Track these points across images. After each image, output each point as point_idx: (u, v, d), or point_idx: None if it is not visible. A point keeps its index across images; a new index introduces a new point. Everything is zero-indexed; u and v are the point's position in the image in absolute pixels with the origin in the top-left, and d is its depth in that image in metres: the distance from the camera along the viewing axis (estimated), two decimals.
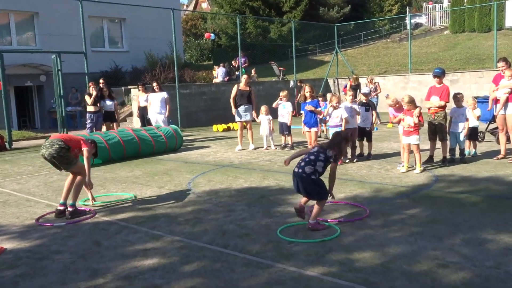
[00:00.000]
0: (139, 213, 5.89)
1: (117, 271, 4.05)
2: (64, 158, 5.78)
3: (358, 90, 14.18)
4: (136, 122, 15.64)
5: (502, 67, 8.30)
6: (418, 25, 35.72)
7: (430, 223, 5.01)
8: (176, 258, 4.30)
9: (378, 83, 15.93)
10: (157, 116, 12.48)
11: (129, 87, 17.77)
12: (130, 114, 17.79)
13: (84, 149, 5.97)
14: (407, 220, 5.13)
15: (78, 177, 5.92)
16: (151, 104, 12.52)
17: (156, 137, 10.81)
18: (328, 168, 5.07)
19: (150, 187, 7.36)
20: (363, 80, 20.61)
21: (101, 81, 13.08)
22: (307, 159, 5.03)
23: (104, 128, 12.59)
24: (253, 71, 21.74)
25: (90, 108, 12.23)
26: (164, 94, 12.54)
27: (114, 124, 12.71)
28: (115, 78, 20.20)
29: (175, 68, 17.03)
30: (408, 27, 24.01)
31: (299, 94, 9.26)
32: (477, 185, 6.64)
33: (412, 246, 4.35)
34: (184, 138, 12.60)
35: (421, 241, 4.45)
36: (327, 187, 5.08)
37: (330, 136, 8.44)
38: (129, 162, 9.80)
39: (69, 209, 5.78)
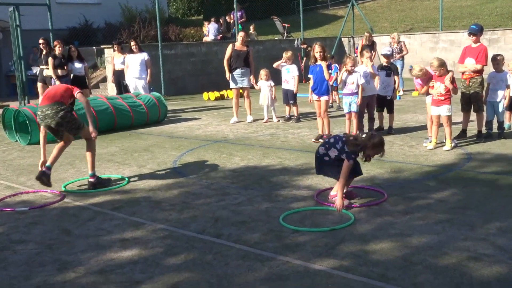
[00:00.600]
0: (116, 196, 5.94)
1: (91, 264, 4.11)
2: (71, 123, 6.20)
3: (371, 51, 14.14)
4: (111, 89, 15.63)
5: None
6: None
7: (461, 209, 5.06)
8: (160, 249, 4.36)
9: (404, 42, 15.87)
10: (136, 82, 12.46)
11: (102, 46, 17.67)
12: (104, 79, 17.74)
13: (77, 95, 6.23)
14: (433, 206, 5.19)
15: (90, 142, 6.36)
16: (128, 67, 12.48)
17: (135, 107, 10.82)
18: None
19: (128, 166, 7.40)
20: (381, 39, 20.49)
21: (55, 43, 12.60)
22: (326, 140, 5.53)
23: None
24: (251, 27, 21.60)
25: (51, 72, 12.10)
26: (145, 55, 12.49)
27: (85, 91, 12.67)
28: (85, 36, 20.08)
29: (158, 24, 16.92)
30: None
31: (305, 57, 9.19)
32: None
33: (438, 236, 4.41)
34: (169, 108, 12.61)
35: (450, 230, 4.51)
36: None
37: (343, 106, 8.52)
38: (103, 136, 9.80)
39: (90, 180, 6.29)
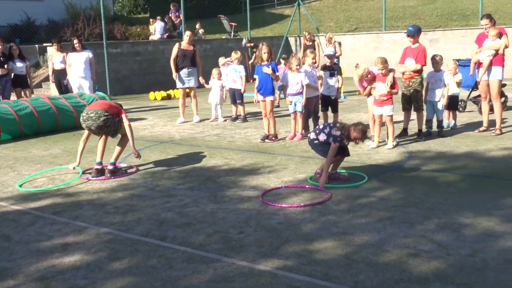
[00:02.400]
0: (58, 199, 5.81)
1: (31, 270, 4.01)
2: (111, 127, 6.75)
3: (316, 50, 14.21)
4: (54, 89, 15.23)
5: (486, 25, 8.58)
6: None
7: (402, 206, 5.20)
8: (103, 253, 4.29)
9: (339, 43, 15.18)
10: (81, 81, 12.19)
11: (44, 44, 17.20)
12: (47, 79, 17.28)
13: (123, 116, 6.89)
14: (375, 204, 5.31)
15: (124, 138, 6.99)
16: (71, 66, 12.18)
17: (78, 107, 10.58)
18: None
19: None
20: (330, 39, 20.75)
21: None
22: (317, 127, 6.37)
23: (13, 96, 12.19)
24: (197, 25, 21.49)
25: None
26: (89, 54, 12.24)
27: (27, 91, 12.35)
28: (27, 34, 19.50)
29: (102, 22, 16.61)
30: None
31: (254, 56, 9.22)
32: (456, 162, 6.93)
33: (380, 233, 4.51)
34: None
35: (391, 228, 4.63)
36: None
37: (291, 105, 8.60)
38: (45, 137, 9.58)
39: (109, 167, 6.80)
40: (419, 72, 8.39)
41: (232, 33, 22.49)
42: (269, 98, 8.75)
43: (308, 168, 6.83)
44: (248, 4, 22.00)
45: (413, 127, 8.75)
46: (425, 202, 5.33)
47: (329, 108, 9.32)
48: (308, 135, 6.52)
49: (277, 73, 8.82)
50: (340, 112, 9.70)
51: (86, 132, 6.91)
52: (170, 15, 20.86)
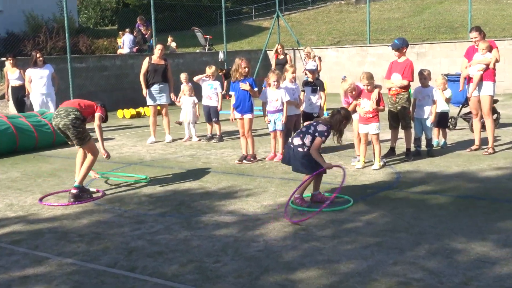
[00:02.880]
0: (16, 227, 5.71)
1: None
2: (78, 132, 6.75)
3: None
4: (12, 107, 15.04)
5: (475, 38, 8.73)
6: None
7: (390, 231, 5.21)
8: (66, 286, 4.21)
9: (319, 57, 14.78)
10: (44, 99, 12.09)
11: (3, 59, 17.04)
12: (4, 96, 17.08)
13: (96, 115, 6.95)
14: (362, 229, 5.31)
15: (89, 157, 6.89)
16: (31, 82, 12.07)
17: (40, 127, 10.48)
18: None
19: (31, 193, 7.15)
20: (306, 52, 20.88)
21: None
22: (299, 131, 6.41)
23: None
24: (169, 39, 21.51)
25: None
26: (51, 68, 12.16)
27: None
28: None
29: (66, 35, 16.52)
30: None
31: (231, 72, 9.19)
32: (447, 183, 6.98)
33: (367, 261, 4.51)
34: None
35: (379, 255, 4.63)
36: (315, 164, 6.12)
37: (273, 123, 8.61)
38: (2, 160, 9.45)
39: (73, 191, 6.65)
40: (406, 88, 8.49)
41: (207, 47, 22.57)
42: (247, 116, 8.74)
43: (290, 190, 6.81)
44: (224, 16, 22.12)
45: (401, 146, 8.82)
46: (415, 226, 5.34)
47: None
48: (289, 140, 6.40)
49: (255, 89, 8.82)
50: None
51: (80, 150, 7.16)
52: (138, 28, 20.85)
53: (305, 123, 6.60)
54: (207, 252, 4.83)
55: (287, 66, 9.22)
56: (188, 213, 6.05)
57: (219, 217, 5.84)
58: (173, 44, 21.72)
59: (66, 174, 8.23)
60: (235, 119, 8.89)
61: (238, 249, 4.89)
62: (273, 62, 15.43)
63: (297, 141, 6.20)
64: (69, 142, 7.18)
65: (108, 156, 7.00)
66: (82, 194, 6.72)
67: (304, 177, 6.27)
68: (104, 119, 7.18)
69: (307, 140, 6.13)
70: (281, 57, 15.00)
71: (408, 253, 4.65)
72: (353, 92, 8.11)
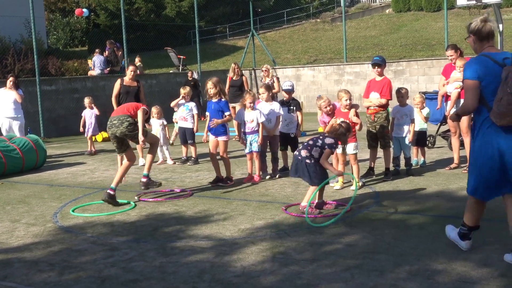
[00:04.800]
0: None
1: None
2: (135, 134, 7.62)
3: (243, 87, 13.70)
4: None
5: (451, 56, 8.90)
6: (354, 2, 37.38)
7: (370, 253, 5.24)
8: None
9: (277, 78, 14.49)
10: (11, 122, 12.00)
11: None
12: None
13: (140, 110, 7.71)
14: (341, 251, 5.34)
15: (151, 147, 8.08)
16: None
17: (7, 152, 10.38)
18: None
19: (0, 221, 7.07)
20: (284, 71, 21.05)
21: None
22: (305, 143, 6.86)
23: None
24: (137, 59, 21.52)
25: None
26: (18, 91, 12.09)
27: None
28: None
29: (35, 56, 16.49)
30: (342, 3, 25.14)
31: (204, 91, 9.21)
32: (426, 203, 7.06)
33: (347, 283, 4.53)
34: (49, 152, 12.21)
35: (359, 277, 4.65)
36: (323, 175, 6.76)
37: (249, 145, 8.64)
38: None
39: (143, 179, 8.03)
40: (384, 107, 8.59)
41: (181, 67, 22.64)
42: (221, 139, 8.65)
43: (267, 213, 6.83)
44: (198, 36, 22.23)
45: (379, 166, 8.90)
46: (396, 247, 5.39)
47: (288, 147, 9.42)
48: (296, 153, 6.92)
49: (226, 113, 8.67)
50: None
51: (118, 156, 8.30)
52: (106, 52, 20.84)
53: (311, 137, 7.21)
54: (183, 279, 4.81)
55: (261, 87, 9.28)
56: (163, 239, 6.02)
57: (195, 242, 5.82)
58: (139, 64, 21.73)
59: (35, 200, 8.15)
60: (206, 139, 8.79)
61: (215, 275, 4.88)
62: (227, 84, 14.15)
63: (304, 153, 6.73)
64: (116, 150, 8.00)
65: (144, 142, 7.97)
66: (150, 182, 8.05)
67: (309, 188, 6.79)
68: (147, 114, 8.09)
69: (315, 153, 6.71)
70: (236, 78, 14.14)
71: (389, 275, 4.69)
72: (328, 108, 8.21)
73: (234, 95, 13.78)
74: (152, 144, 8.10)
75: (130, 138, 7.79)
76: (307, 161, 6.69)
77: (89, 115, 13.09)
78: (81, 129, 13.10)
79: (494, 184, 4.87)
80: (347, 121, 7.42)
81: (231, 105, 13.13)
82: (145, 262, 5.29)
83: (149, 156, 8.09)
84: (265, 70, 14.06)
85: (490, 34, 4.96)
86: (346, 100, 7.97)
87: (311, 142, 6.84)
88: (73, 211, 7.36)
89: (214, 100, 8.60)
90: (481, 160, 4.89)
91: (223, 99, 8.64)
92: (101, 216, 7.10)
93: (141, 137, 7.69)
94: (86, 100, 13.36)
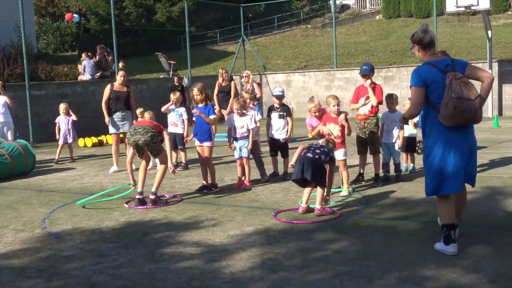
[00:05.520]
0: None
1: None
2: (156, 146, 7.93)
3: (232, 92, 13.58)
4: None
5: None
6: (344, 8, 37.54)
7: (359, 259, 5.25)
8: None
9: (257, 83, 14.48)
10: (2, 127, 11.94)
11: None
12: None
13: (165, 134, 8.10)
14: (331, 258, 5.34)
15: (162, 166, 8.04)
16: None
17: None
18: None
19: None
20: (275, 77, 21.06)
21: None
22: (312, 147, 7.09)
23: None
24: (120, 64, 21.48)
25: None
26: (6, 96, 12.06)
27: None
28: None
29: (25, 61, 16.42)
30: (333, 9, 25.19)
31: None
32: (416, 209, 7.08)
33: None
34: (38, 157, 12.15)
35: (348, 283, 4.66)
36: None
37: (238, 149, 8.63)
38: None
39: (151, 196, 7.88)
40: (374, 112, 8.60)
41: (171, 72, 22.61)
42: (206, 144, 8.60)
43: (257, 219, 6.83)
44: (188, 41, 22.23)
45: (369, 172, 8.92)
46: (385, 253, 5.40)
47: (278, 152, 9.43)
48: (315, 154, 7.00)
49: (211, 116, 8.69)
50: (290, 156, 9.80)
51: (129, 153, 8.41)
52: (96, 56, 20.79)
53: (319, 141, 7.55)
54: (172, 285, 4.79)
55: (243, 93, 9.28)
56: (152, 245, 6.00)
57: (184, 248, 5.81)
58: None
59: (24, 206, 8.10)
60: (186, 142, 8.90)
61: (204, 282, 4.87)
62: (216, 89, 13.98)
63: (318, 155, 6.97)
64: (138, 156, 8.19)
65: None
66: (158, 199, 7.98)
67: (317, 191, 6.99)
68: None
69: (323, 157, 6.98)
70: (225, 84, 13.90)
71: (378, 281, 4.69)
72: (317, 113, 8.23)
73: (223, 101, 13.75)
74: (163, 162, 8.09)
75: (150, 149, 7.96)
76: (319, 161, 6.93)
77: (65, 121, 12.75)
78: (57, 136, 12.74)
79: (453, 176, 5.29)
80: (333, 140, 7.61)
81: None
82: (134, 268, 5.27)
83: (158, 175, 8.03)
84: (246, 76, 14.09)
85: (431, 42, 5.49)
86: (334, 106, 7.95)
87: (318, 146, 7.13)
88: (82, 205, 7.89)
89: (201, 105, 8.60)
90: (438, 156, 5.28)
91: (209, 103, 8.73)
92: (90, 222, 7.08)
93: (171, 166, 8.25)
94: (62, 106, 12.95)
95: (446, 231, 5.34)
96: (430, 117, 5.35)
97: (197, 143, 8.72)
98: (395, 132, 8.78)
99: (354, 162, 9.44)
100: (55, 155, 12.62)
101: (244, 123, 8.64)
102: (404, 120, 5.91)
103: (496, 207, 7.04)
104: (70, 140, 12.70)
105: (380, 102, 8.58)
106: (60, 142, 12.66)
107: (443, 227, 5.39)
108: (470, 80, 5.28)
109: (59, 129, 12.74)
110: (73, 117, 12.78)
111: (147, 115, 11.04)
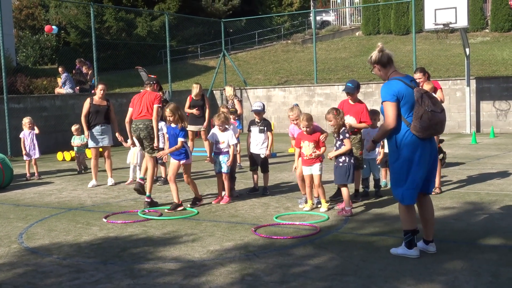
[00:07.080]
0: None
1: None
2: (152, 140, 9.06)
3: (204, 107, 13.24)
4: None
5: (419, 79, 9.04)
6: (324, 24, 37.83)
7: (339, 275, 5.25)
8: None
9: (238, 99, 14.31)
10: None
11: None
12: None
13: (154, 107, 9.16)
14: (310, 273, 5.33)
15: (150, 169, 8.98)
16: None
17: None
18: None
19: None
20: (255, 92, 21.06)
21: None
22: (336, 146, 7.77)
23: None
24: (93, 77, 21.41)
25: None
26: None
27: None
28: None
29: (3, 74, 16.28)
30: (313, 25, 25.38)
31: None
32: (395, 224, 7.10)
33: None
34: (15, 171, 12.02)
35: None
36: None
37: (218, 165, 8.60)
38: None
39: (147, 200, 8.53)
40: (359, 129, 8.58)
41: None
42: (182, 162, 8.43)
43: (237, 235, 6.81)
44: (169, 55, 22.23)
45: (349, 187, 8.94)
46: (364, 269, 5.41)
47: (258, 167, 9.43)
48: (353, 161, 7.82)
49: (180, 139, 8.31)
50: (270, 171, 9.83)
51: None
52: (78, 69, 20.67)
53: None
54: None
55: (221, 107, 9.33)
56: (130, 260, 5.95)
57: (163, 264, 5.77)
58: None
59: (0, 220, 8.00)
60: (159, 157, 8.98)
61: None
62: (187, 103, 13.60)
63: (353, 160, 7.86)
64: (143, 149, 9.34)
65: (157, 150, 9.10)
66: (153, 201, 8.56)
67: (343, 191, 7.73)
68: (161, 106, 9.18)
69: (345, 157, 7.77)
70: (197, 98, 13.45)
71: None
72: (295, 122, 8.34)
73: (193, 118, 13.30)
74: (151, 165, 8.99)
75: (147, 142, 9.10)
76: (346, 164, 7.72)
77: (30, 136, 12.27)
78: (24, 151, 12.19)
79: (420, 185, 5.66)
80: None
81: (191, 127, 12.90)
82: (112, 284, 5.22)
83: (148, 179, 8.67)
84: (229, 94, 14.04)
85: (390, 60, 5.77)
86: (303, 126, 7.95)
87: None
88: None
89: (173, 125, 8.37)
90: (413, 168, 5.54)
91: (181, 125, 8.36)
92: (68, 236, 7.00)
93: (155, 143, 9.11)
94: (26, 120, 12.33)
95: (410, 237, 5.64)
96: (401, 130, 5.56)
97: (173, 161, 8.53)
98: (376, 148, 8.79)
99: (329, 178, 9.46)
100: (32, 169, 12.44)
101: (225, 138, 8.63)
102: (373, 144, 6.11)
103: (474, 223, 7.10)
104: (36, 155, 12.24)
105: (372, 126, 8.70)
106: (26, 158, 12.25)
107: (407, 233, 5.67)
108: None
109: (25, 145, 12.27)
110: (36, 131, 12.24)
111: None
